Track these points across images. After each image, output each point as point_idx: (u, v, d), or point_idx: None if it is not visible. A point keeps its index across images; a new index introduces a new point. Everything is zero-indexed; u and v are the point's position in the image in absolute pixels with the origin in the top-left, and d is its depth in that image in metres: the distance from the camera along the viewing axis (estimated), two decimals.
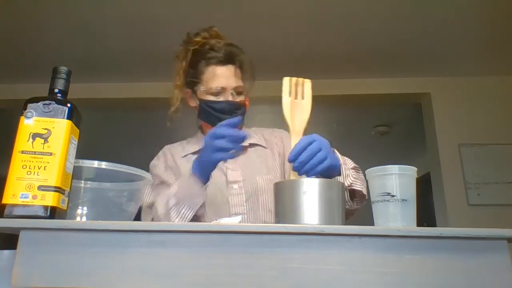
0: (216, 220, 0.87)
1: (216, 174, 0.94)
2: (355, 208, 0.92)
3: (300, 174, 0.76)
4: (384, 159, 1.85)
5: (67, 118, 0.57)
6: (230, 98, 1.01)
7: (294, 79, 0.82)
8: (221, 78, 1.01)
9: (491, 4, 2.26)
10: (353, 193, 0.90)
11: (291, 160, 0.76)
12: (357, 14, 2.36)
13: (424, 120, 3.19)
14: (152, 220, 0.93)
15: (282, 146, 1.13)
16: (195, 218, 0.90)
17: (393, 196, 0.61)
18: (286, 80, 0.81)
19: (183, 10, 2.33)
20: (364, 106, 3.56)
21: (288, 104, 0.80)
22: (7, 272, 0.49)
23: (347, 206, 0.89)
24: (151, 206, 0.95)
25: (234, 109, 1.01)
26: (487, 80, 3.03)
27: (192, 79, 1.05)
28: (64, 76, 0.61)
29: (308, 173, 0.76)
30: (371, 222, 0.61)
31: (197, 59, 1.05)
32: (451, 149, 2.91)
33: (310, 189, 0.63)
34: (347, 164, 0.91)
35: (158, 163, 1.08)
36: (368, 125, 4.11)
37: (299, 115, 0.78)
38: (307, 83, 0.82)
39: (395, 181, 0.61)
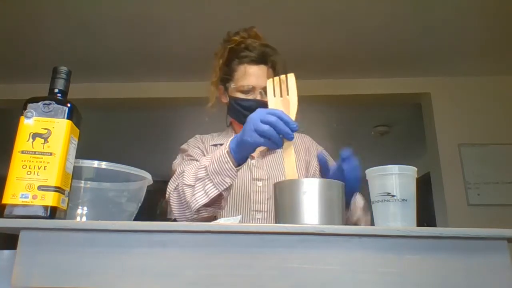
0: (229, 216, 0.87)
1: (241, 169, 0.94)
2: None
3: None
4: (384, 159, 1.85)
5: (67, 118, 0.57)
6: (259, 97, 1.03)
7: (276, 78, 0.82)
8: (252, 77, 1.04)
9: (491, 4, 2.25)
10: None
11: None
12: (357, 14, 2.36)
13: (424, 120, 3.18)
14: (176, 187, 0.91)
15: (306, 151, 1.15)
16: (211, 218, 0.89)
17: (393, 196, 0.61)
18: (269, 82, 0.82)
19: (183, 10, 2.33)
20: (364, 106, 3.56)
21: (273, 103, 0.81)
22: (7, 272, 0.49)
23: None
24: (182, 173, 0.92)
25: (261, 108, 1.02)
26: (487, 80, 3.03)
27: (225, 76, 1.08)
28: (64, 76, 0.61)
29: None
30: (371, 222, 0.60)
31: (231, 57, 1.07)
32: (451, 149, 2.91)
33: (310, 189, 0.63)
34: (357, 201, 0.95)
35: (188, 147, 1.09)
36: (368, 125, 4.11)
37: (286, 110, 0.78)
38: (290, 77, 0.81)
39: (395, 181, 0.61)
